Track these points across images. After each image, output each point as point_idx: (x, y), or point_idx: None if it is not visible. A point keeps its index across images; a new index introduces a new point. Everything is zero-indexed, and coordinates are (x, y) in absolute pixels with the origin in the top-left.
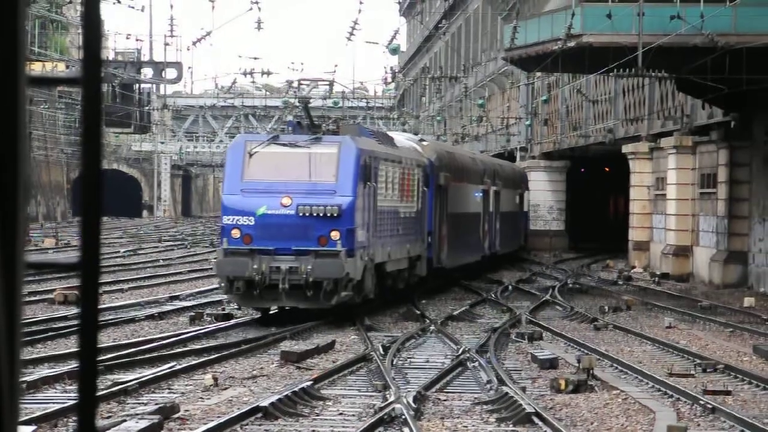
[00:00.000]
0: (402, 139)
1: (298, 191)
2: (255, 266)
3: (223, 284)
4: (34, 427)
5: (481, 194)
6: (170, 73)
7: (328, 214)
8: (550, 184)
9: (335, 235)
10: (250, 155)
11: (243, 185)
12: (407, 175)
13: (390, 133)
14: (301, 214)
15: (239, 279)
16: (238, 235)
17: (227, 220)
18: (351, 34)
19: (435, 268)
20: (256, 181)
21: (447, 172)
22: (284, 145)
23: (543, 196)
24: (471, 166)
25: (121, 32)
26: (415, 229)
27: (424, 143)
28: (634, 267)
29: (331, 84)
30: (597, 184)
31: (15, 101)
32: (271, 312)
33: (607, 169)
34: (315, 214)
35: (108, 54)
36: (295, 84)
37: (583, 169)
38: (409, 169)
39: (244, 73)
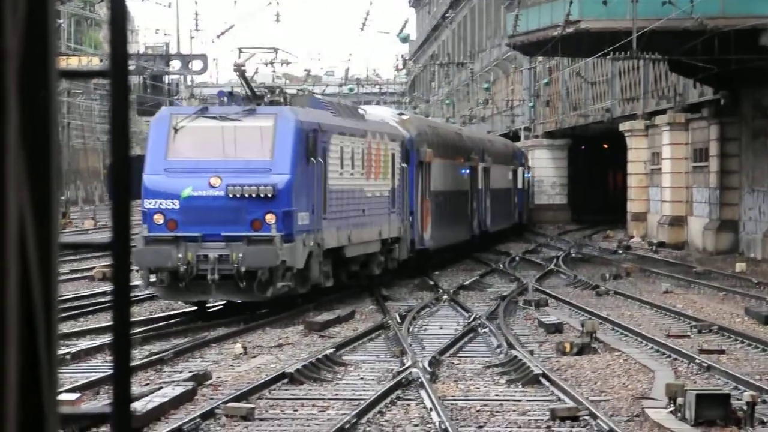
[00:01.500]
0: (377, 112)
1: (229, 170)
2: (180, 255)
3: (142, 277)
4: (78, 395)
5: (468, 171)
6: (196, 65)
7: (262, 195)
8: (552, 161)
9: (270, 218)
10: (176, 130)
11: (167, 164)
12: (377, 150)
13: (365, 107)
14: (231, 196)
15: (162, 270)
16: (161, 221)
17: (149, 204)
18: (364, 24)
19: (418, 250)
20: (181, 160)
21: (429, 147)
22: (214, 118)
23: (546, 172)
24: (456, 141)
25: (151, 27)
26: (390, 209)
27: (404, 117)
28: (632, 237)
29: (346, 71)
30: (596, 160)
31: (47, 92)
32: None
33: (605, 146)
34: (247, 196)
35: (138, 48)
36: (311, 72)
37: (583, 147)
38: (380, 144)
39: (265, 63)
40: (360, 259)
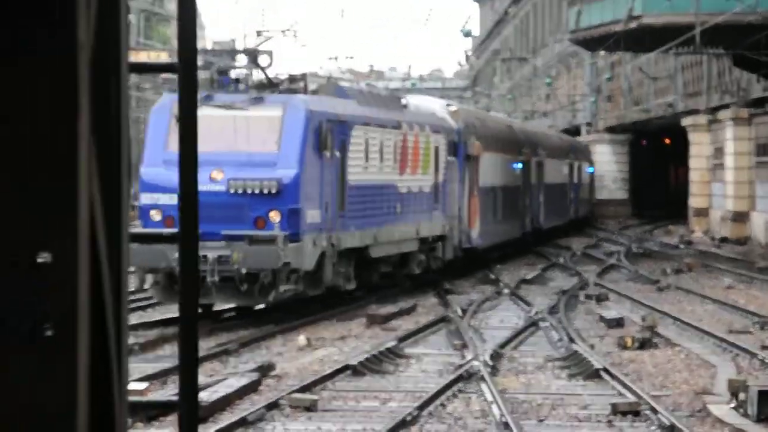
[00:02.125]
0: (424, 103)
1: (232, 163)
2: (176, 255)
3: (138, 278)
4: (146, 384)
5: (520, 165)
6: (263, 60)
7: (266, 191)
8: (614, 156)
9: (274, 216)
10: (177, 119)
11: (166, 156)
12: (415, 143)
13: (411, 97)
14: (233, 191)
15: (157, 271)
16: (159, 218)
17: (146, 198)
18: (427, 20)
19: (465, 249)
20: None
21: (478, 140)
22: (218, 107)
23: (608, 167)
24: (507, 134)
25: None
26: (432, 205)
27: (451, 108)
28: (694, 232)
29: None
30: (658, 155)
31: (118, 86)
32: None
33: (667, 141)
34: (250, 191)
35: (205, 43)
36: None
37: (644, 142)
38: (419, 137)
39: (330, 58)
40: (392, 259)
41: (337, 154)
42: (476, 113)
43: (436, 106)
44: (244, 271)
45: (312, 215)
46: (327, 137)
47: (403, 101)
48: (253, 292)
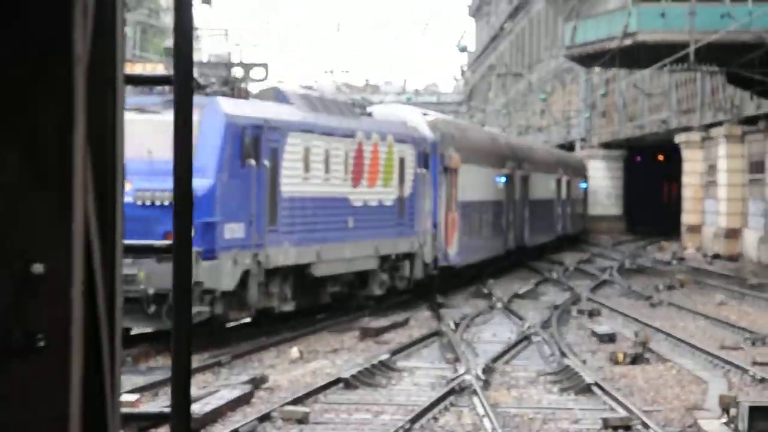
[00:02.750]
0: (393, 112)
1: (141, 172)
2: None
3: None
4: (137, 396)
5: (504, 179)
6: (258, 73)
7: None
8: (608, 172)
9: None
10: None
11: None
12: (375, 153)
13: (378, 106)
14: (140, 203)
15: None
16: None
17: None
18: (423, 35)
19: (441, 267)
20: None
21: (457, 152)
22: (129, 109)
23: (602, 182)
24: (490, 147)
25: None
26: (397, 221)
27: (428, 118)
28: (687, 248)
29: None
30: (652, 171)
31: (114, 98)
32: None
33: (661, 158)
34: (159, 203)
35: (201, 56)
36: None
37: (638, 158)
38: (381, 147)
39: (325, 72)
40: (345, 278)
41: (267, 163)
42: (456, 124)
43: (409, 115)
44: (151, 291)
45: (232, 230)
46: (252, 145)
47: (369, 109)
48: (161, 314)
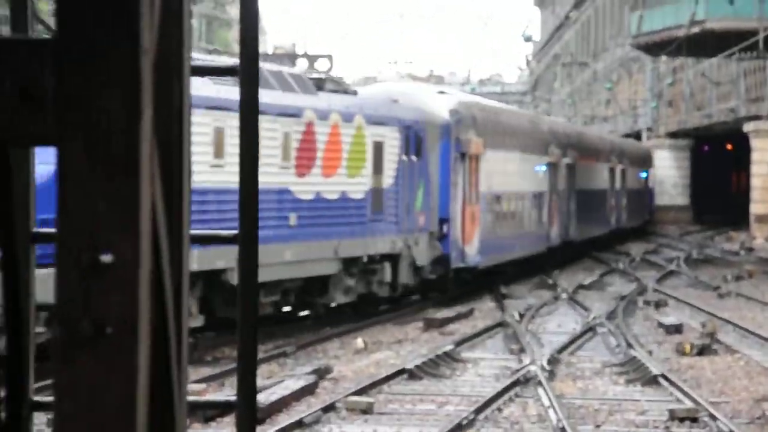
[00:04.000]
0: (385, 90)
1: None
2: None
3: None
4: (204, 386)
5: (544, 167)
6: (322, 64)
7: None
8: (675, 161)
9: None
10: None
11: None
12: (336, 137)
13: (381, 84)
14: None
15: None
16: None
17: None
18: (487, 24)
19: (457, 269)
20: None
21: (479, 136)
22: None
23: (668, 172)
24: (527, 130)
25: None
26: (371, 216)
27: (443, 98)
28: (755, 238)
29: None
30: (719, 160)
31: (180, 89)
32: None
33: (729, 147)
34: None
35: (266, 48)
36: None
37: (706, 147)
38: (343, 129)
39: (389, 62)
40: (289, 285)
41: None
42: (481, 105)
43: (417, 94)
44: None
45: None
46: None
47: (368, 86)
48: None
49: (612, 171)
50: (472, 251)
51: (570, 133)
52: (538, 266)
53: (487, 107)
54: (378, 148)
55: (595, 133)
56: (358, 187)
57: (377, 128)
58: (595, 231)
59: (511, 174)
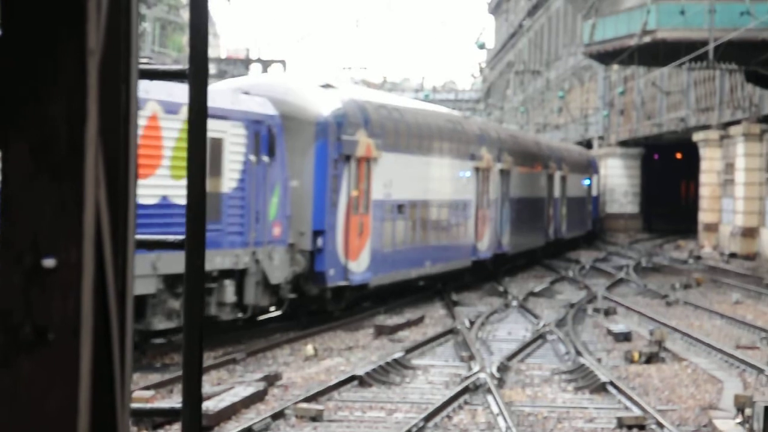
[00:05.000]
0: (246, 81)
1: None
2: None
3: None
4: (152, 392)
5: (468, 173)
6: (276, 70)
7: None
8: (625, 170)
9: None
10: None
11: None
12: (156, 132)
13: (252, 77)
14: None
15: None
16: None
17: None
18: (441, 31)
19: (336, 289)
20: None
21: (374, 137)
22: None
23: (619, 180)
24: (447, 132)
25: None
26: (206, 226)
27: (330, 90)
28: (703, 247)
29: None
30: (669, 169)
31: (128, 92)
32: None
33: (678, 156)
34: None
35: (219, 52)
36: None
37: (656, 156)
38: (164, 122)
39: (343, 68)
40: None
41: None
42: (374, 102)
43: (291, 87)
44: None
45: None
46: None
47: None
48: None
49: (551, 178)
50: (359, 267)
51: (504, 136)
52: (463, 282)
53: (388, 105)
54: (216, 146)
55: (531, 137)
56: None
57: (215, 122)
58: (531, 243)
59: (421, 180)
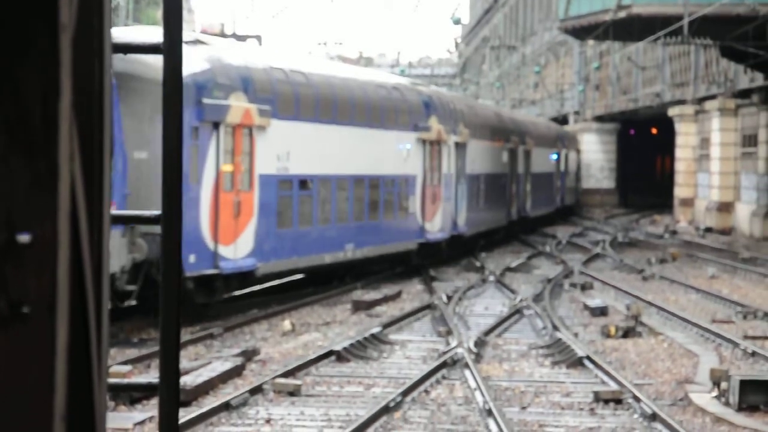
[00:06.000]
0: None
1: None
2: None
3: None
4: (130, 368)
5: (409, 147)
6: (251, 45)
7: None
8: (601, 146)
9: None
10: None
11: None
12: None
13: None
14: None
15: None
16: None
17: None
18: (416, 7)
19: (206, 278)
20: None
21: (259, 102)
22: None
23: (595, 156)
24: (378, 100)
25: (208, 7)
26: None
27: (200, 47)
28: (679, 222)
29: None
30: (645, 145)
31: (101, 67)
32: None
33: (654, 131)
34: None
35: (194, 27)
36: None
37: (632, 131)
38: None
39: (319, 44)
40: None
41: None
42: (261, 60)
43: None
44: None
45: None
46: None
47: None
48: None
49: (513, 152)
50: (236, 253)
51: (460, 107)
52: (413, 267)
53: (286, 68)
54: None
55: (492, 108)
56: None
57: None
58: (491, 222)
59: (337, 153)
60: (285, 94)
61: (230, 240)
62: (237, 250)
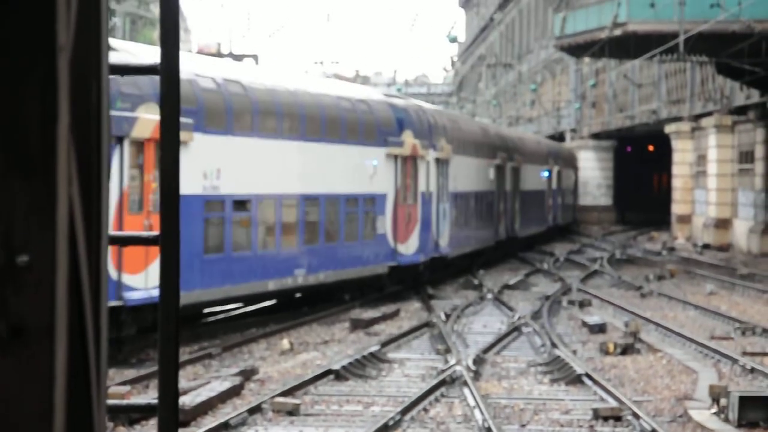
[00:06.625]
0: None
1: None
2: None
3: None
4: (128, 388)
5: (375, 163)
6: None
7: None
8: (598, 163)
9: None
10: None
11: None
12: None
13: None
14: None
15: None
16: None
17: None
18: (413, 25)
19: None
20: None
21: (187, 114)
22: None
23: (592, 173)
24: (340, 112)
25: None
26: None
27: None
28: (677, 238)
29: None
30: (642, 161)
31: (99, 88)
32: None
33: (651, 148)
34: None
35: (191, 47)
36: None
37: (629, 148)
38: None
39: (315, 62)
40: None
41: None
42: (189, 69)
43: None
44: None
45: None
46: None
47: None
48: None
49: (500, 169)
50: (146, 282)
51: (441, 121)
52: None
53: (218, 78)
54: None
55: (477, 123)
56: None
57: None
58: (477, 243)
59: (284, 170)
60: (214, 106)
61: (139, 268)
62: (148, 279)
